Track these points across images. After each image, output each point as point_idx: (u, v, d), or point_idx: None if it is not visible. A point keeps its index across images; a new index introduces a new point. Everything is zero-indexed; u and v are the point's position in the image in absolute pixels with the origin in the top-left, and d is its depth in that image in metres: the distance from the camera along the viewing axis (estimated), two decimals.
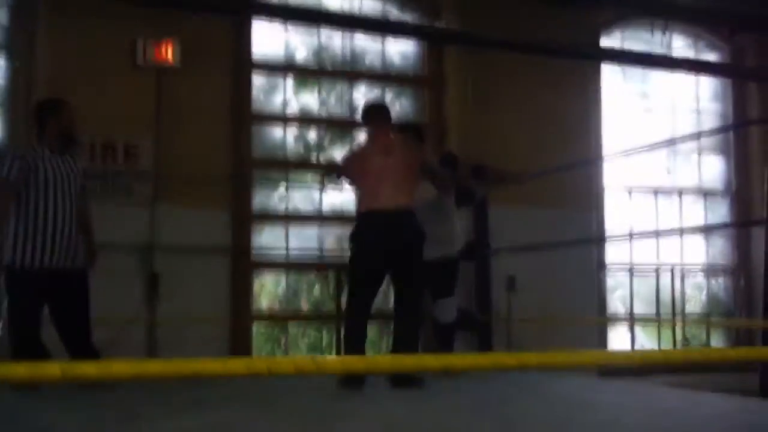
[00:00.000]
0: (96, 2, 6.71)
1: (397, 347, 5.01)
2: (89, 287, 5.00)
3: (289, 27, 7.99)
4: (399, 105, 8.40)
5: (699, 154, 9.58)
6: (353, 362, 1.72)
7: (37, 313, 4.86)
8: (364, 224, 5.08)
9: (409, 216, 5.02)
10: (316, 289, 8.14)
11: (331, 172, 6.00)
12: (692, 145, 9.35)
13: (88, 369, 1.48)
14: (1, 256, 4.81)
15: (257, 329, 7.89)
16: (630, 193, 9.14)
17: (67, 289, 4.91)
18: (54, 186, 4.83)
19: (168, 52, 7.16)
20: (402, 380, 4.64)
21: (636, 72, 9.31)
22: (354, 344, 4.99)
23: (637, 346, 8.99)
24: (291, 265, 7.94)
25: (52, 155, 4.89)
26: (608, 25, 9.10)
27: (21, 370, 1.45)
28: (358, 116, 8.12)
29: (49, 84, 6.94)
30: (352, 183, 5.48)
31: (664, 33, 9.34)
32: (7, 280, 4.89)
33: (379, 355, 5.77)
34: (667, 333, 9.20)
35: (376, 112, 5.46)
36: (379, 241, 4.97)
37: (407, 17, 8.46)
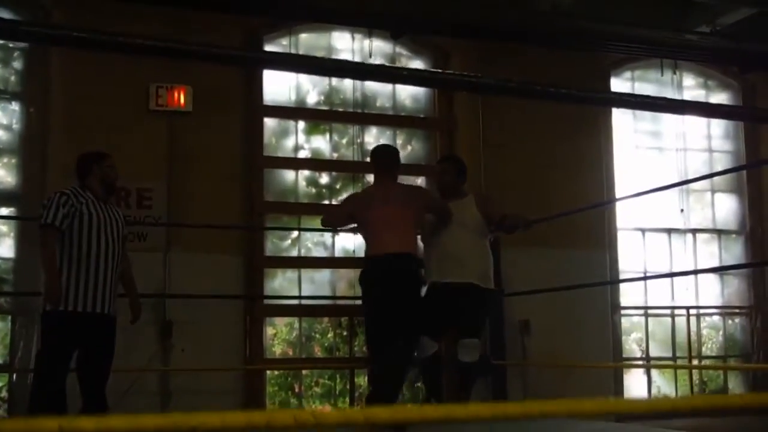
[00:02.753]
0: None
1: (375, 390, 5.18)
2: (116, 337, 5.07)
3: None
4: (410, 147, 8.50)
5: (712, 194, 9.63)
6: (353, 414, 1.73)
7: (69, 359, 4.88)
8: (369, 268, 5.29)
9: (406, 260, 5.18)
10: (330, 335, 8.17)
11: (328, 225, 6.05)
12: (705, 184, 9.39)
13: (86, 424, 1.46)
14: (44, 301, 4.83)
15: (270, 376, 7.91)
16: (643, 233, 9.16)
17: (99, 336, 4.93)
18: (98, 231, 4.89)
19: (180, 98, 7.28)
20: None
21: (647, 112, 9.38)
22: (383, 390, 5.02)
23: (654, 389, 8.96)
24: (304, 310, 7.99)
25: (97, 201, 4.99)
26: (618, 65, 9.23)
27: (17, 425, 1.43)
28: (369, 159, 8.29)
29: (63, 129, 7.07)
30: (356, 228, 5.64)
31: (674, 72, 9.45)
32: (45, 323, 4.91)
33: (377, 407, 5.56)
34: (683, 376, 9.16)
35: (381, 156, 5.62)
36: (378, 284, 5.16)
37: (417, 59, 8.61)
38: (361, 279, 5.37)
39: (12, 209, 7.35)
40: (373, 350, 5.33)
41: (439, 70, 8.13)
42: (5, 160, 7.45)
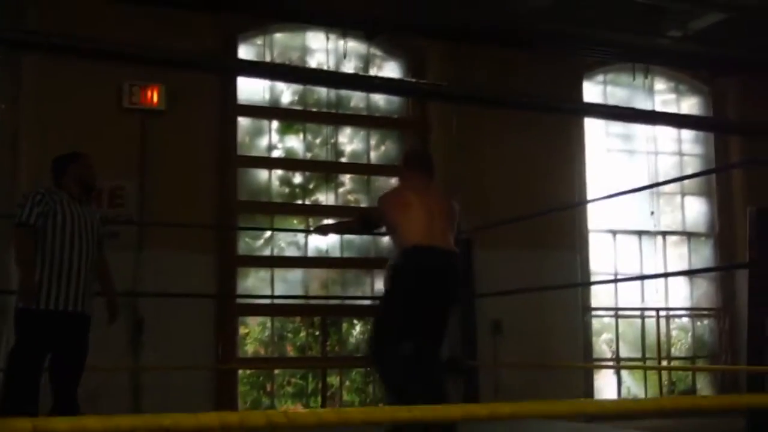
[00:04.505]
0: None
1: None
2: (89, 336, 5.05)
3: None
4: (384, 148, 8.54)
5: (682, 197, 9.75)
6: (325, 415, 1.74)
7: (42, 358, 4.85)
8: (414, 259, 4.57)
9: (456, 260, 4.71)
10: (302, 334, 8.20)
11: (365, 225, 5.32)
12: (675, 187, 9.49)
13: (60, 425, 1.45)
14: (18, 299, 4.80)
15: (242, 375, 7.92)
16: (614, 235, 9.25)
17: (72, 335, 4.91)
18: (72, 230, 4.86)
19: (154, 96, 7.26)
20: None
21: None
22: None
23: (623, 390, 9.05)
24: (276, 310, 8.00)
25: (72, 201, 4.97)
26: (591, 69, 9.31)
27: None
28: (343, 159, 8.31)
29: (34, 127, 7.03)
30: (390, 221, 4.83)
31: (645, 77, 9.54)
32: (18, 321, 4.88)
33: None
34: (653, 376, 9.27)
35: (418, 159, 5.10)
36: (429, 279, 4.53)
37: (391, 60, 8.63)
38: (400, 269, 4.60)
39: None
40: (397, 355, 4.58)
41: (411, 80, 8.20)
42: None
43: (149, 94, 7.24)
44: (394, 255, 4.74)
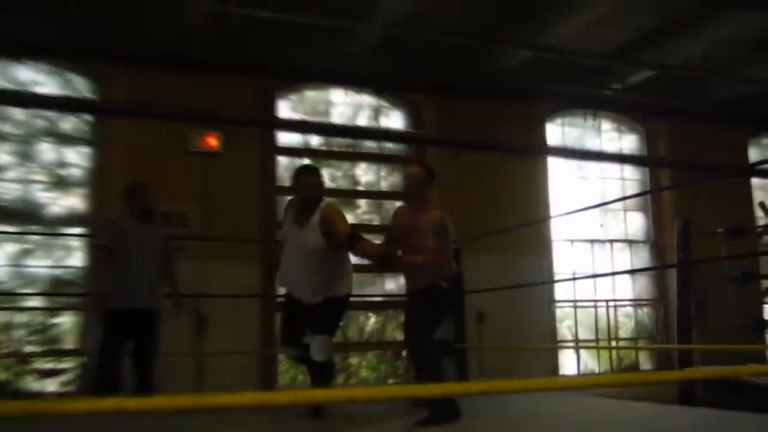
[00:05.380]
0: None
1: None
2: (159, 328, 5.13)
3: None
4: (391, 178, 8.60)
5: (625, 212, 9.79)
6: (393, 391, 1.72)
7: (121, 346, 4.96)
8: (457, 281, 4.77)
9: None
10: None
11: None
12: (619, 204, 9.53)
13: (135, 404, 1.37)
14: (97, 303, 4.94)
15: (281, 358, 7.88)
16: (572, 243, 9.30)
17: (143, 327, 5.03)
18: (137, 246, 5.00)
19: (212, 142, 7.33)
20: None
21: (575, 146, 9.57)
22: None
23: (582, 366, 9.08)
24: None
25: (138, 224, 5.07)
26: (551, 113, 9.39)
27: (83, 404, 1.34)
28: (360, 187, 8.36)
29: (121, 167, 7.11)
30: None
31: (594, 119, 9.60)
32: (102, 320, 5.01)
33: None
34: (605, 354, 9.28)
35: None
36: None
37: (396, 110, 8.70)
38: (453, 288, 4.59)
39: (82, 229, 7.37)
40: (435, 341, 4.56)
41: (410, 131, 8.26)
42: (78, 191, 7.46)
43: (209, 140, 7.31)
44: (446, 274, 4.50)
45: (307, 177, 4.58)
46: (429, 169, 4.64)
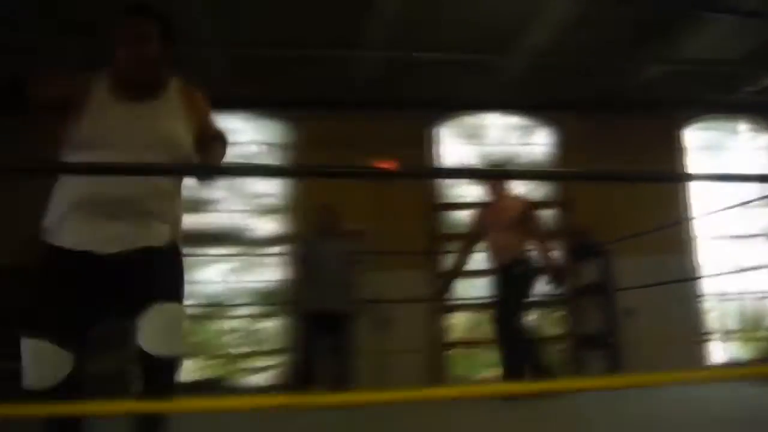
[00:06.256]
0: (333, 140, 7.79)
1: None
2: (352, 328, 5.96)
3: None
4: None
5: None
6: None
7: (318, 343, 5.79)
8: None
9: None
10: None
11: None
12: (759, 202, 9.37)
13: (337, 399, 1.52)
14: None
15: (453, 355, 8.35)
16: (717, 240, 9.22)
17: (338, 326, 5.86)
18: (323, 260, 5.91)
19: (386, 167, 8.17)
20: None
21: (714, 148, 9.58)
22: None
23: (729, 356, 9.06)
24: (474, 307, 8.32)
25: (324, 241, 5.98)
26: (688, 120, 9.43)
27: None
28: None
29: (308, 196, 7.92)
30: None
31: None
32: (302, 322, 5.87)
33: None
34: (751, 344, 9.20)
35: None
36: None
37: (542, 129, 9.04)
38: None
39: (281, 248, 8.24)
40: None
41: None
42: (277, 216, 8.38)
43: (383, 165, 8.14)
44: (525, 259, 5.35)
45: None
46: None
